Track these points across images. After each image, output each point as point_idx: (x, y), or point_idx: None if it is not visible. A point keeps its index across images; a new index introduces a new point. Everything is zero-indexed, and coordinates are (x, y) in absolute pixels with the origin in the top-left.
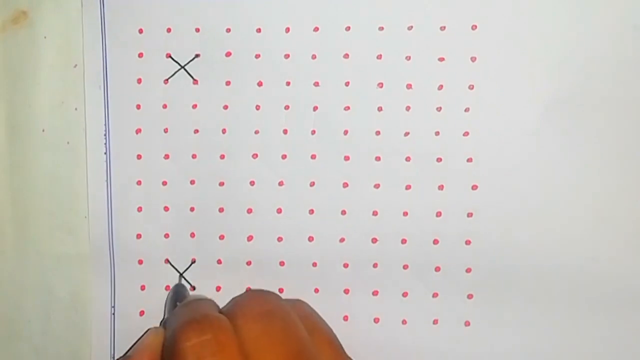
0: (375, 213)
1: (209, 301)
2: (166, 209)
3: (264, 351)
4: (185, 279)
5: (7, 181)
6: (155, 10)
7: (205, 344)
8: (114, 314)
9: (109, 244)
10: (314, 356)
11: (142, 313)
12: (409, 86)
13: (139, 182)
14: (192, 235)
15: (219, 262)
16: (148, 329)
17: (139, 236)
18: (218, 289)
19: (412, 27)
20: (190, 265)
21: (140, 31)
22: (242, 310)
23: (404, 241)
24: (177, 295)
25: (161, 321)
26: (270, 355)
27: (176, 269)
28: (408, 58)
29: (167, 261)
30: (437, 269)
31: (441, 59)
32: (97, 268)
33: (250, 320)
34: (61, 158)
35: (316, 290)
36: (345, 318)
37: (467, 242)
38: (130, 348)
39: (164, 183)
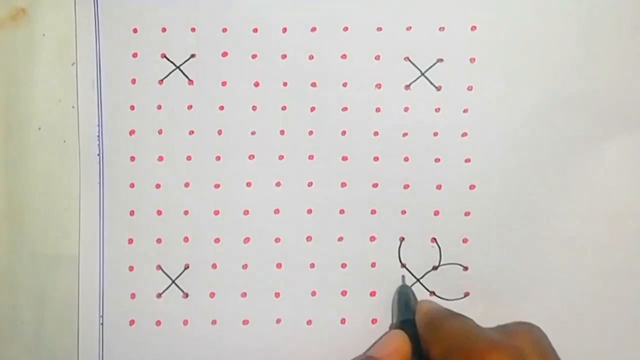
0: (373, 212)
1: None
2: (159, 212)
3: None
4: (177, 285)
5: (2, 179)
6: (150, 10)
7: None
8: (102, 324)
9: (100, 249)
10: None
11: (132, 323)
12: (407, 87)
13: (131, 185)
14: (186, 239)
15: (214, 266)
16: (388, 331)
17: (130, 241)
18: (212, 295)
19: (410, 27)
20: (184, 271)
21: (135, 31)
22: (522, 340)
23: (402, 239)
24: (405, 297)
25: (393, 323)
26: None
27: (168, 276)
28: (406, 59)
29: (159, 268)
30: (435, 267)
31: (440, 60)
32: (86, 275)
33: (531, 353)
34: (57, 157)
35: (313, 293)
36: (343, 321)
37: (464, 241)
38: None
39: (157, 186)
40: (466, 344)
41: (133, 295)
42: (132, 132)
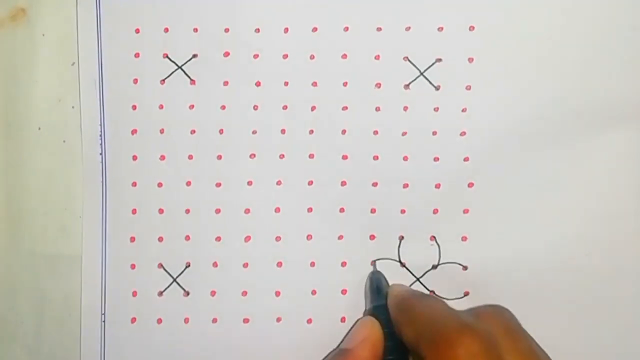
0: (373, 211)
1: (442, 302)
2: (161, 211)
3: None
4: (178, 284)
5: (2, 179)
6: (152, 10)
7: (478, 356)
8: (104, 321)
9: (102, 247)
10: None
11: (133, 320)
12: (406, 87)
13: (134, 184)
14: (187, 238)
15: (215, 265)
16: (358, 319)
17: (132, 239)
18: (213, 293)
19: (409, 27)
20: (185, 269)
21: (137, 31)
22: (491, 323)
23: (401, 238)
24: (377, 282)
25: (366, 310)
26: None
27: (169, 274)
28: (405, 59)
29: (161, 266)
30: (434, 266)
31: (439, 60)
32: (88, 272)
33: (502, 335)
34: (56, 157)
35: (314, 292)
36: (343, 319)
37: (463, 239)
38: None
39: (159, 185)
40: (436, 327)
41: (135, 293)
42: (134, 132)
